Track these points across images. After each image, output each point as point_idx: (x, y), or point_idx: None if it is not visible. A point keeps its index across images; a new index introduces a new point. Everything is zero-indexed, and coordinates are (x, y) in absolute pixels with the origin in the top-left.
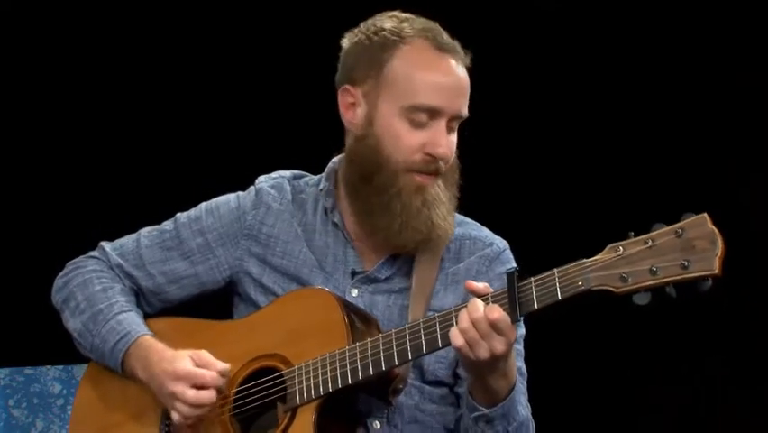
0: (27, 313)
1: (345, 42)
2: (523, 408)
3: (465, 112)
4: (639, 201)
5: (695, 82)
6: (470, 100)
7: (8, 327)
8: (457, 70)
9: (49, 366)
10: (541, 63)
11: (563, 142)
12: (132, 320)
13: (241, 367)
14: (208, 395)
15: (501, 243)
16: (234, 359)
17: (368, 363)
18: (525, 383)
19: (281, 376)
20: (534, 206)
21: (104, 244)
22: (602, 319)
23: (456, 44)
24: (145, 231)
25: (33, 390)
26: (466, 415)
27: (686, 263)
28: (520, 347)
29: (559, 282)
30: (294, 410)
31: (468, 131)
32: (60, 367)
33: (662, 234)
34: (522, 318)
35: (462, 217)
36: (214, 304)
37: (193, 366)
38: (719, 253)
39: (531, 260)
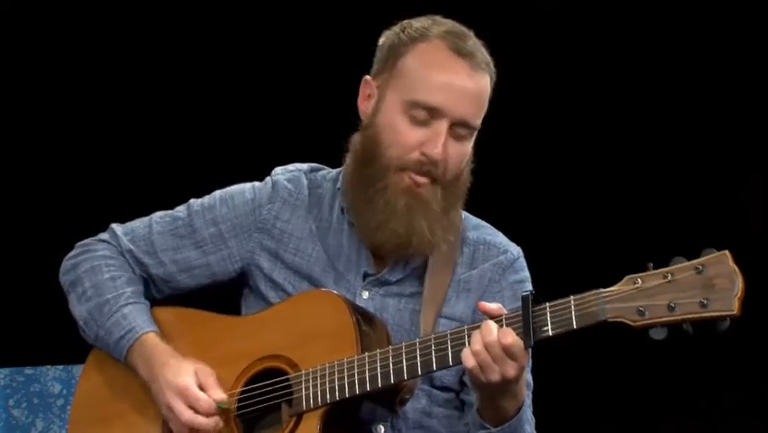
0: (27, 313)
1: (381, 38)
2: (529, 424)
3: (472, 120)
4: (639, 201)
5: (695, 82)
6: None
7: (8, 327)
8: (469, 76)
9: (49, 366)
10: (541, 63)
11: (563, 141)
12: (138, 314)
13: (246, 366)
14: (205, 422)
15: (516, 250)
16: (239, 357)
17: (376, 374)
18: (530, 395)
19: (288, 380)
20: (535, 206)
21: (114, 226)
22: (619, 349)
23: (480, 53)
24: (157, 216)
25: (33, 390)
26: (472, 430)
27: (705, 302)
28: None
29: (575, 311)
30: (299, 416)
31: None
32: (60, 367)
33: (681, 268)
34: (534, 344)
35: (478, 220)
36: (223, 293)
37: (194, 383)
38: (739, 294)
39: (538, 263)
